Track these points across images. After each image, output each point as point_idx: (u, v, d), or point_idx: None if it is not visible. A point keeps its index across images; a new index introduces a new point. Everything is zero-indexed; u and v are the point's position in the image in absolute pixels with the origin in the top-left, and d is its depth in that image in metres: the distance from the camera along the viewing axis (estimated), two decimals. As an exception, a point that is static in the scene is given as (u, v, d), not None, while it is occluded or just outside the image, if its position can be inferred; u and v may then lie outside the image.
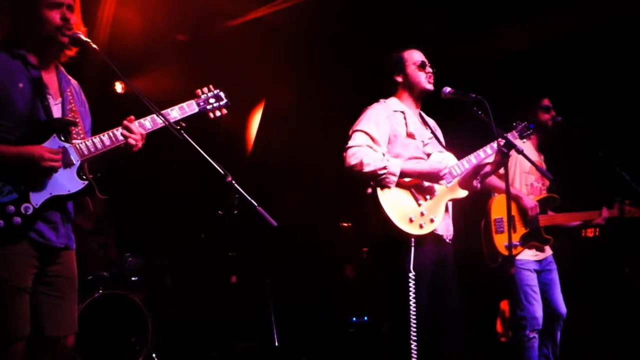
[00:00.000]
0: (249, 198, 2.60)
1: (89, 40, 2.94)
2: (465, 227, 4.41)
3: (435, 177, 3.78)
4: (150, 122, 3.06)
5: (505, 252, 4.61)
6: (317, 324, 7.01)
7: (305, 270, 7.57)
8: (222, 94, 3.35)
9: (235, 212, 2.62)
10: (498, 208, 4.79)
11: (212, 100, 3.30)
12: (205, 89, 3.33)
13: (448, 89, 3.88)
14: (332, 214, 7.51)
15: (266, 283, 6.95)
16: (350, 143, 3.76)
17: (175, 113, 3.12)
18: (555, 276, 4.91)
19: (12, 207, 2.76)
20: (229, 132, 7.67)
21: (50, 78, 3.03)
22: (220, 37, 6.74)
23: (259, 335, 6.78)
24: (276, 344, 6.65)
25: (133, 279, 6.13)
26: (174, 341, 6.54)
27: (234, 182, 2.61)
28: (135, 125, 3.02)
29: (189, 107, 3.21)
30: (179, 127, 2.72)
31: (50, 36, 2.94)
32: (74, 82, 3.19)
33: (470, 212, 4.83)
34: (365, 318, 6.74)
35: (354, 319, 6.65)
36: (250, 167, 7.62)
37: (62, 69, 3.13)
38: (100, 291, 5.76)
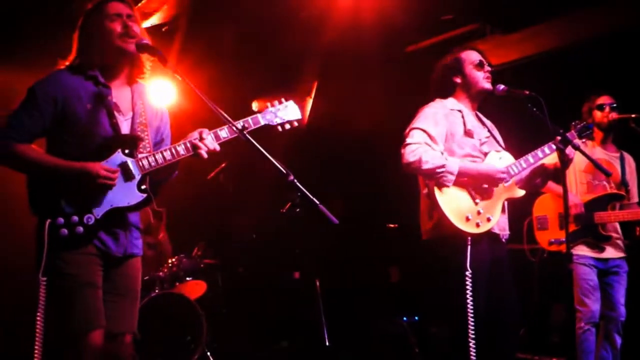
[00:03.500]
0: (311, 196, 2.65)
1: (156, 48, 3.07)
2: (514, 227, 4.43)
3: (493, 179, 3.76)
4: (226, 132, 3.17)
5: (548, 248, 4.77)
6: (367, 324, 7.02)
7: (352, 270, 7.61)
8: (294, 106, 3.42)
9: (298, 210, 2.63)
10: (540, 206, 5.06)
11: (280, 114, 3.37)
12: (276, 102, 3.39)
13: (502, 87, 3.87)
14: (379, 215, 7.52)
15: (315, 283, 6.99)
16: (408, 140, 3.75)
17: (238, 125, 3.12)
18: (621, 279, 4.88)
19: (75, 217, 2.97)
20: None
21: (122, 93, 3.21)
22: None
23: (310, 335, 6.83)
24: (327, 343, 6.69)
25: (188, 279, 6.26)
26: (228, 340, 6.63)
27: (295, 180, 2.67)
28: (209, 140, 3.13)
29: (254, 121, 3.28)
30: (241, 128, 2.79)
31: (115, 45, 3.12)
32: (148, 91, 3.34)
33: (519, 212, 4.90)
34: (416, 318, 6.73)
35: (405, 318, 6.65)
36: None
37: (138, 82, 3.29)
38: (157, 291, 5.91)
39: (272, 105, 3.36)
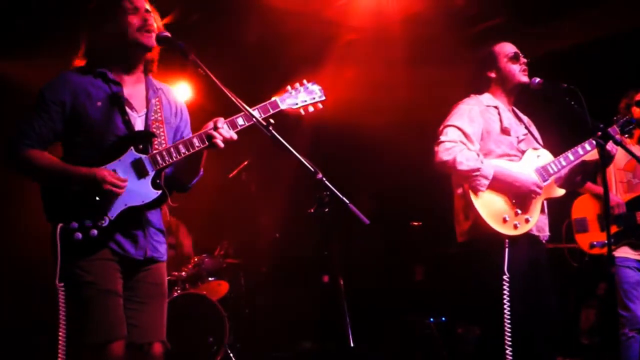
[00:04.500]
0: (341, 195, 2.51)
1: (177, 40, 2.87)
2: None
3: (527, 190, 3.57)
4: (243, 119, 2.96)
5: (590, 251, 4.59)
6: (392, 325, 6.89)
7: (375, 270, 7.49)
8: (316, 87, 3.16)
9: (326, 209, 2.48)
10: (579, 208, 4.87)
11: (301, 96, 3.12)
12: (297, 84, 3.15)
13: (537, 80, 3.70)
14: (402, 213, 7.39)
15: (338, 283, 6.87)
16: (442, 138, 3.60)
17: (256, 113, 2.87)
18: None
19: (89, 221, 2.81)
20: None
21: (134, 90, 3.06)
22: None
23: (334, 336, 6.71)
24: (351, 344, 6.56)
25: (210, 279, 6.17)
26: (250, 341, 6.55)
27: (324, 179, 2.53)
28: (225, 128, 2.93)
29: (272, 105, 3.05)
30: (266, 124, 2.64)
31: (133, 39, 2.96)
32: (166, 90, 3.20)
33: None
34: (443, 319, 6.58)
35: (432, 319, 6.50)
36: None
37: (151, 77, 3.14)
38: (178, 291, 5.82)
39: (293, 88, 3.14)
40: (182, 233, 6.68)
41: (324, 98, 3.17)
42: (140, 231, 2.96)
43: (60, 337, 2.76)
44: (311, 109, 3.15)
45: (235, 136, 2.94)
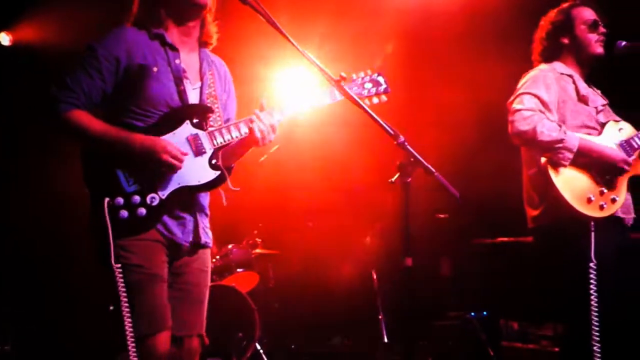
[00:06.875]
0: (426, 163, 2.14)
1: None
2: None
3: (614, 167, 3.25)
4: (279, 113, 2.74)
5: None
6: (428, 320, 6.54)
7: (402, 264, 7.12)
8: (381, 78, 2.90)
9: (409, 180, 2.18)
10: None
11: (368, 85, 2.88)
12: (362, 73, 2.91)
13: (623, 43, 3.39)
14: (428, 205, 7.03)
15: (372, 277, 6.53)
16: (517, 106, 3.24)
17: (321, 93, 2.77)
18: None
19: (137, 198, 2.54)
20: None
21: (190, 59, 2.78)
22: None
23: (367, 331, 6.38)
24: (385, 340, 6.22)
25: (238, 270, 5.84)
26: (279, 336, 6.27)
27: (406, 143, 2.15)
28: (264, 114, 2.69)
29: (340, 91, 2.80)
30: (338, 79, 2.29)
31: None
32: (219, 64, 2.93)
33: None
34: (485, 313, 6.21)
35: (473, 314, 6.13)
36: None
37: (207, 50, 2.87)
38: (206, 283, 5.49)
39: (358, 76, 2.89)
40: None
41: (389, 90, 2.90)
42: (188, 214, 2.68)
43: (126, 325, 2.45)
44: (376, 100, 2.88)
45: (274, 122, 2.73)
